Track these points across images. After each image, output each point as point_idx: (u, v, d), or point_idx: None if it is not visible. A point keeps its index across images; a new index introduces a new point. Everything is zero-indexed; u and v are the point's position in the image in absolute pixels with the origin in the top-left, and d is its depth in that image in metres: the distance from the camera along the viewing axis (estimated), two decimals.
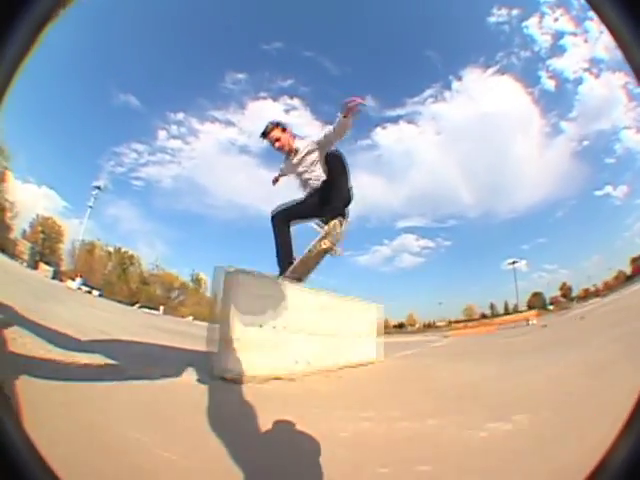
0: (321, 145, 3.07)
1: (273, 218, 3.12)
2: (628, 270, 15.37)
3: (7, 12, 0.44)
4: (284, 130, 3.20)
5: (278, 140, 3.16)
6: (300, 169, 3.16)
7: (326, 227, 2.95)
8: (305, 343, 3.79)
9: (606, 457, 0.46)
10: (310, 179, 3.13)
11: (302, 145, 3.16)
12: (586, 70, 16.79)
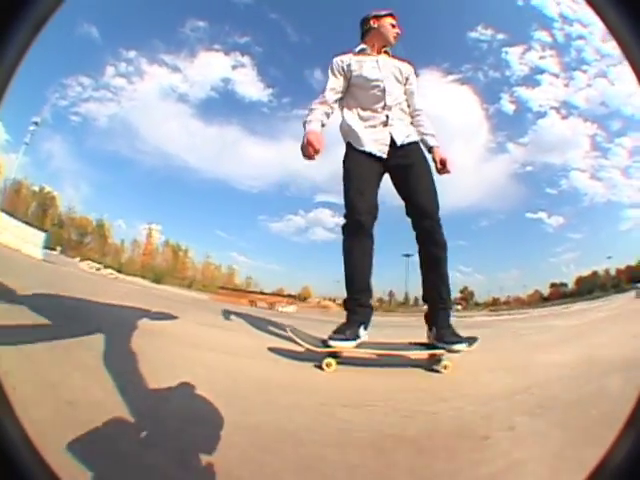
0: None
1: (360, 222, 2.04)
2: (545, 292, 15.26)
3: (7, 12, 0.44)
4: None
5: (396, 27, 2.35)
6: (391, 87, 2.19)
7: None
8: None
9: (606, 457, 0.46)
10: (392, 120, 2.15)
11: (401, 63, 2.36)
12: (554, 108, 16.40)
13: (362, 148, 2.16)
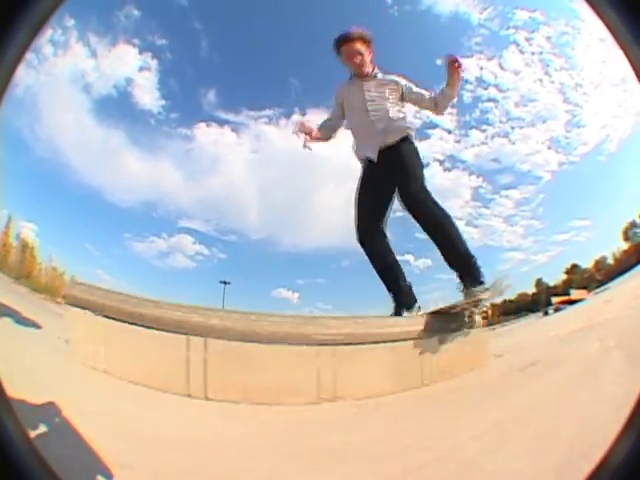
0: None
1: (362, 242, 2.43)
2: None
3: (7, 12, 0.44)
4: (369, 46, 2.43)
5: (359, 55, 2.39)
6: (373, 106, 2.41)
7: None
8: None
9: (606, 457, 0.46)
10: (382, 130, 2.37)
11: (387, 76, 2.50)
12: (437, 160, 16.72)
13: (360, 157, 2.54)
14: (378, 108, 2.41)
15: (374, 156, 2.41)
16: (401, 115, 2.44)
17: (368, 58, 2.42)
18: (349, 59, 2.41)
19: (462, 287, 2.10)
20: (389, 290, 2.37)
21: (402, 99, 2.49)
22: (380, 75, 2.49)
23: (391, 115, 2.40)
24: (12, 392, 0.52)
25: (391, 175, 2.35)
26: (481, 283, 2.07)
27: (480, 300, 2.04)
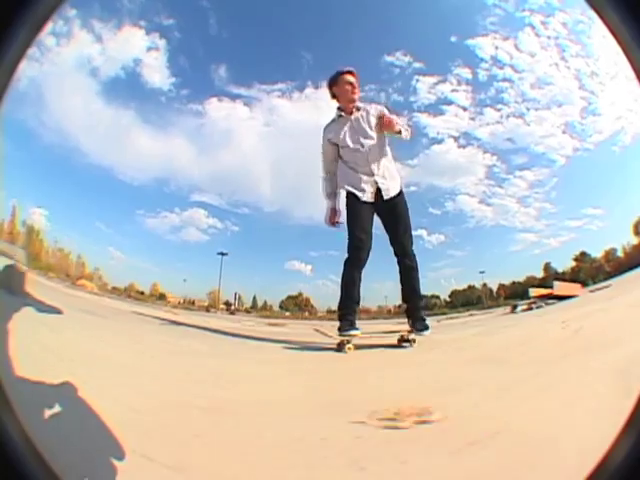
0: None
1: (356, 267, 2.59)
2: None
3: (7, 12, 0.44)
4: (359, 82, 2.65)
5: (354, 87, 2.61)
6: (367, 141, 2.61)
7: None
8: None
9: (606, 457, 0.46)
10: (372, 163, 2.60)
11: (370, 107, 2.68)
12: (452, 137, 15.83)
13: (357, 194, 2.62)
14: (369, 144, 2.62)
15: (370, 198, 2.60)
16: (395, 169, 2.74)
17: (358, 94, 2.66)
18: (347, 92, 2.60)
19: (409, 322, 2.60)
20: (344, 311, 2.55)
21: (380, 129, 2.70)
22: (362, 108, 2.67)
23: (390, 170, 2.67)
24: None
25: (386, 222, 2.64)
26: (423, 322, 2.59)
27: (419, 335, 2.54)
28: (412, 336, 2.53)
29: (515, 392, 1.40)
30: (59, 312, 2.35)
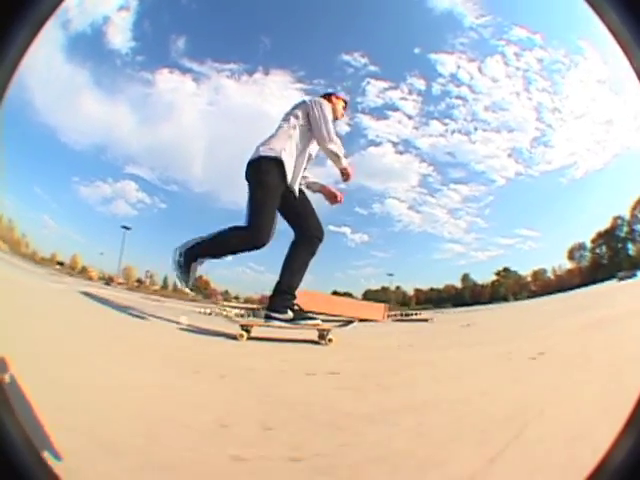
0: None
1: (262, 244, 2.71)
2: None
3: (7, 12, 0.44)
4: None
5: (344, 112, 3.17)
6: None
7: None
8: None
9: (606, 457, 0.46)
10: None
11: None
12: (391, 142, 16.00)
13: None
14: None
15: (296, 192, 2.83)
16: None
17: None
18: (340, 114, 3.08)
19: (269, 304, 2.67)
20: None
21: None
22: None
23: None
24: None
25: (298, 211, 2.84)
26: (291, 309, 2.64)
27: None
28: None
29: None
30: None
